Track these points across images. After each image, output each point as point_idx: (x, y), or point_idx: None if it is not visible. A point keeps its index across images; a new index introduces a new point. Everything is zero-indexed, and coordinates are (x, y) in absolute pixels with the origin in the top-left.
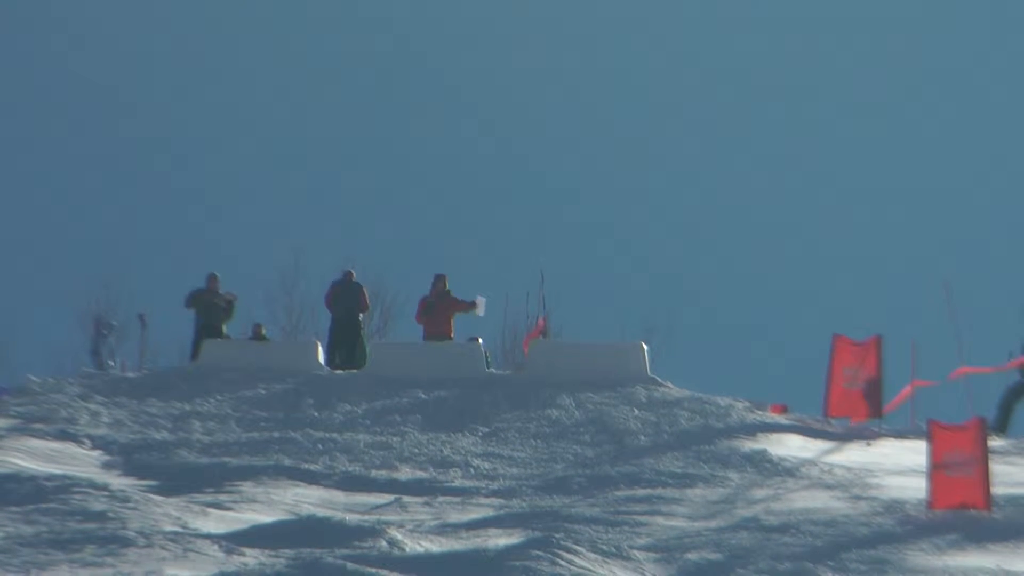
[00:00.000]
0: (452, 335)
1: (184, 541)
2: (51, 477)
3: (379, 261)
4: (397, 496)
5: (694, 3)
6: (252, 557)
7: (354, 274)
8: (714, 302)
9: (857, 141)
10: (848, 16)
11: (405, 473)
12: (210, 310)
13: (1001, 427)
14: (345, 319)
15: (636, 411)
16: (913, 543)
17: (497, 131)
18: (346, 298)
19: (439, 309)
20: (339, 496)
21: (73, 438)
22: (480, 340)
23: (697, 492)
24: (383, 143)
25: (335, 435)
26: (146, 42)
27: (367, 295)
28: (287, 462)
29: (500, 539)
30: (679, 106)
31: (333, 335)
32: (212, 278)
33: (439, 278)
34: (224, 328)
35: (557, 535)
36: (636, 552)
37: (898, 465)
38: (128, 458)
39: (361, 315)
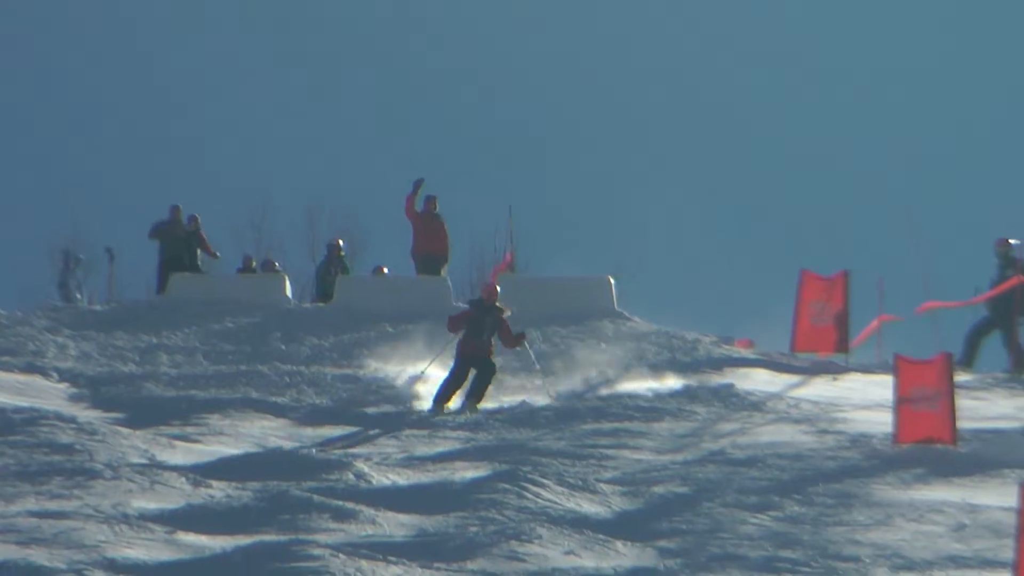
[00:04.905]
0: (447, 255)
1: (151, 473)
2: (18, 410)
3: (347, 196)
4: (363, 429)
5: None
6: (219, 489)
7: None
8: (681, 236)
9: (823, 71)
10: None
11: (372, 406)
12: (174, 242)
13: (967, 362)
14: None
15: (603, 345)
16: (879, 477)
17: (463, 64)
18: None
19: (435, 229)
20: (306, 429)
21: (40, 371)
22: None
23: (664, 426)
24: (349, 77)
25: (302, 368)
26: None
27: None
28: (254, 395)
29: (467, 472)
30: (650, 42)
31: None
32: (175, 210)
33: (430, 198)
34: (199, 257)
35: (524, 468)
36: (603, 485)
37: (864, 399)
38: (95, 391)
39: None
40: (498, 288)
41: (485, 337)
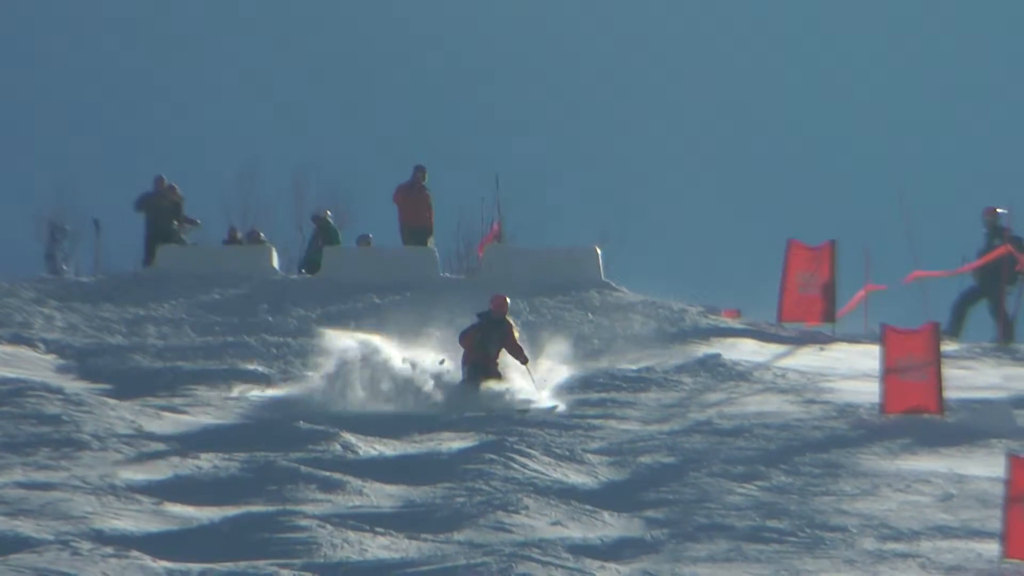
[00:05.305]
0: (432, 229)
1: (138, 444)
2: (5, 381)
3: (334, 166)
4: (351, 400)
5: None
6: (206, 460)
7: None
8: (668, 207)
9: (811, 41)
10: None
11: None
12: (160, 213)
13: (954, 331)
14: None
15: (590, 315)
16: (866, 447)
17: (451, 33)
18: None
19: (421, 201)
20: (293, 400)
21: (27, 342)
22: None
23: (651, 396)
24: (335, 46)
25: (289, 339)
26: None
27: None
28: (241, 367)
29: (453, 443)
30: (636, 11)
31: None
32: (159, 180)
33: (419, 169)
34: (175, 226)
35: (511, 439)
36: (589, 455)
37: (851, 369)
38: (82, 362)
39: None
40: (507, 300)
41: (492, 352)
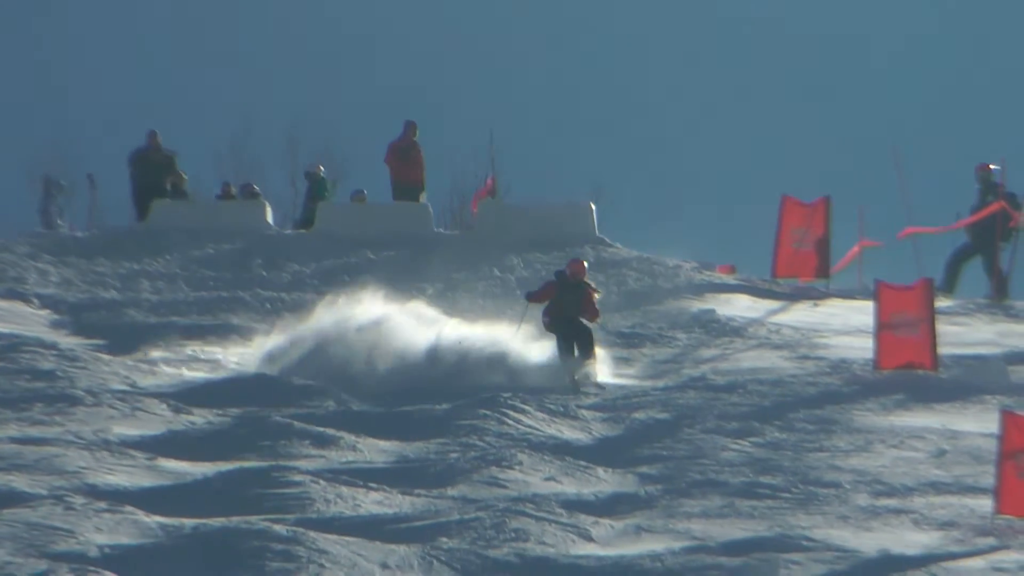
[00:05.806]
0: (423, 185)
1: (132, 400)
2: None
3: (328, 121)
4: (344, 355)
5: None
6: (200, 416)
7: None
8: (662, 162)
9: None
10: None
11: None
12: (152, 168)
13: (948, 287)
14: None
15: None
16: (859, 402)
17: None
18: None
19: (412, 158)
20: (287, 356)
21: (22, 297)
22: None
23: (644, 352)
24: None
25: (283, 295)
26: None
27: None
28: (235, 321)
29: (448, 398)
30: None
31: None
32: (152, 135)
33: (409, 124)
34: (172, 183)
35: (505, 394)
36: (584, 411)
37: (845, 325)
38: (77, 317)
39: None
40: (585, 264)
41: (571, 313)
